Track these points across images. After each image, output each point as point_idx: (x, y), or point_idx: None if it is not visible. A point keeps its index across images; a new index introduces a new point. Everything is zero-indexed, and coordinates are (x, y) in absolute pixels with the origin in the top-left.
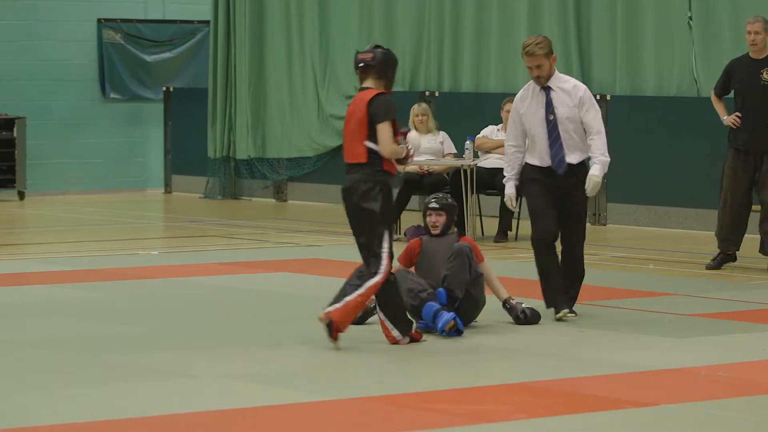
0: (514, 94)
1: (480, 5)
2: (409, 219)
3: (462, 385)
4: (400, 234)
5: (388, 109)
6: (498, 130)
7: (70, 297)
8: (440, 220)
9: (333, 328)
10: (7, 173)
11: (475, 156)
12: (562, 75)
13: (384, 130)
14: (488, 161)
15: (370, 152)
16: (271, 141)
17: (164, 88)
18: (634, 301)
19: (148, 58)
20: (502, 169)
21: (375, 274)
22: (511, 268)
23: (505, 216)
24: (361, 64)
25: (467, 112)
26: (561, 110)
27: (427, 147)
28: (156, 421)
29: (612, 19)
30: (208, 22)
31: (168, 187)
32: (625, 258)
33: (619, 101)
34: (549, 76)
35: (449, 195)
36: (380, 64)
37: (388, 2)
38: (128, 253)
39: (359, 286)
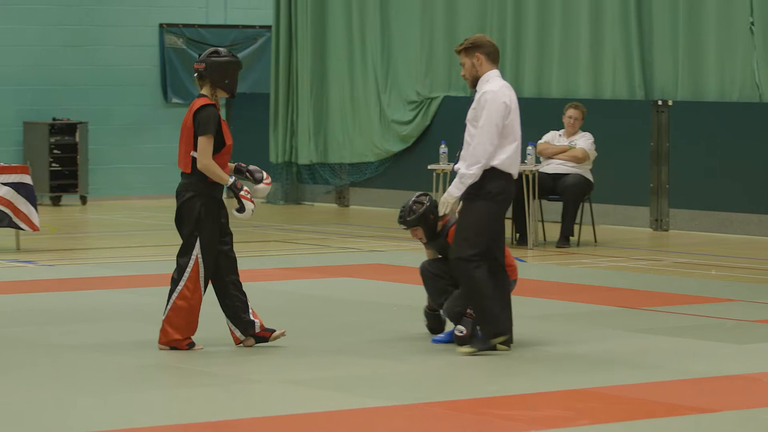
0: (576, 100)
1: (542, 11)
2: None
3: (523, 391)
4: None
5: (208, 123)
6: (560, 135)
7: (130, 302)
8: (418, 233)
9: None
10: (69, 178)
11: (537, 161)
12: (493, 78)
13: (202, 142)
14: (550, 167)
15: (195, 163)
16: (333, 146)
17: None
18: (696, 307)
19: None
20: (564, 174)
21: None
22: (573, 273)
23: (568, 221)
24: (195, 74)
25: (529, 118)
26: (469, 114)
27: None
28: (217, 426)
29: (674, 25)
30: (269, 27)
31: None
32: (687, 264)
33: (681, 107)
34: (475, 78)
35: (417, 200)
36: (211, 74)
37: (450, 7)
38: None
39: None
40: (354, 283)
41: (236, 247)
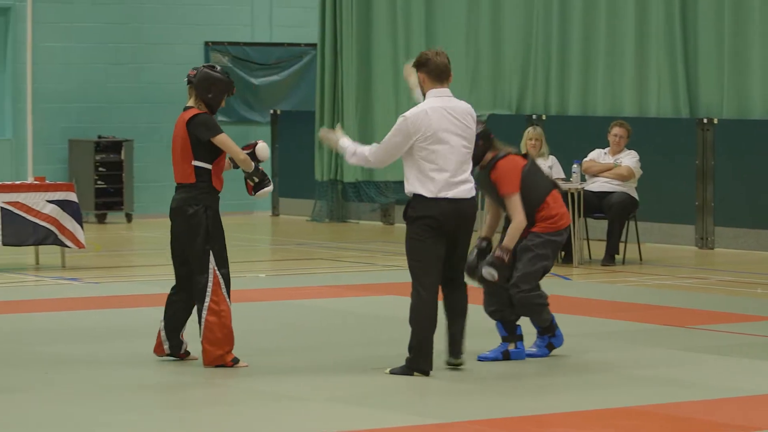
0: (621, 118)
1: (587, 29)
2: None
3: (567, 408)
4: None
5: (214, 125)
6: (605, 153)
7: None
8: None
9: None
10: (114, 195)
11: (583, 179)
12: (430, 98)
13: (223, 140)
14: (595, 185)
15: (198, 172)
16: None
17: (271, 111)
18: (742, 325)
19: (256, 81)
20: (609, 192)
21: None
22: (619, 291)
23: (613, 239)
24: (186, 80)
25: (574, 136)
26: None
27: None
28: None
29: (719, 43)
30: (315, 45)
31: (275, 210)
32: (732, 282)
33: (726, 125)
34: (422, 95)
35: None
36: (197, 84)
37: (495, 25)
38: (235, 276)
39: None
40: (399, 301)
41: (281, 265)
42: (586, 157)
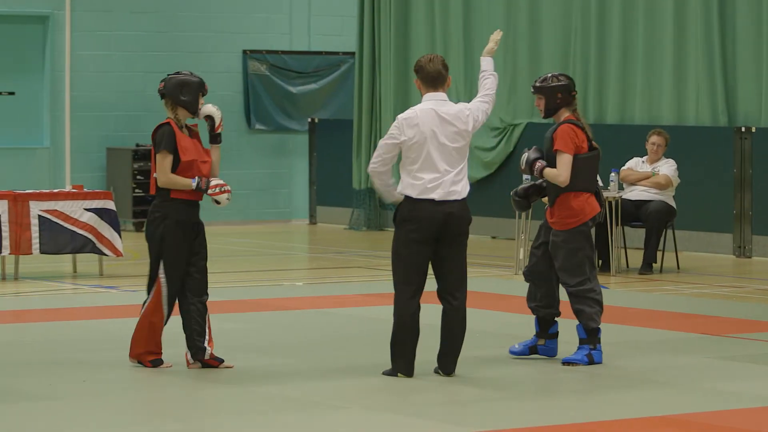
0: (659, 127)
1: (625, 37)
2: None
3: (606, 417)
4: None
5: (160, 141)
6: (643, 162)
7: (214, 327)
8: (540, 103)
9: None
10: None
11: (620, 188)
12: (424, 101)
13: (157, 160)
14: (633, 193)
15: (156, 183)
16: None
17: (309, 120)
18: None
19: (294, 90)
20: (647, 201)
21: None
22: (656, 300)
23: (650, 248)
24: (160, 95)
25: (612, 144)
26: None
27: None
28: None
29: (757, 51)
30: (353, 53)
31: (313, 218)
32: None
33: (764, 133)
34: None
35: (560, 75)
36: (169, 92)
37: (533, 33)
38: (273, 284)
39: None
40: (435, 309)
41: (319, 273)
42: (624, 165)
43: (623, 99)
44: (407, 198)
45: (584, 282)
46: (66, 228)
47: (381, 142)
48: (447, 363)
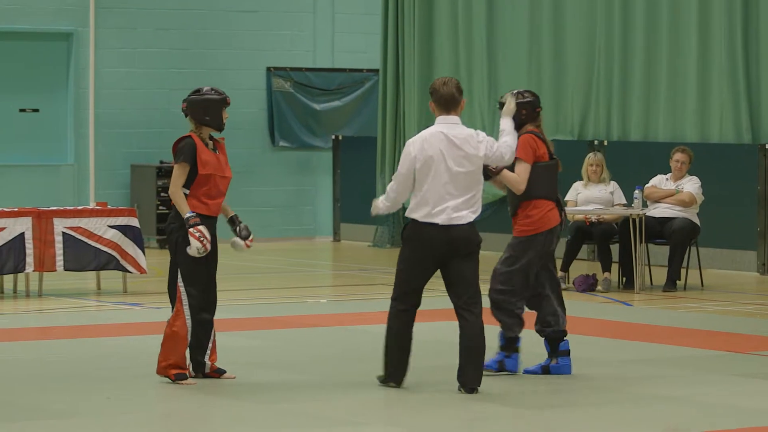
0: (683, 144)
1: (648, 54)
2: (579, 268)
3: None
4: (569, 283)
5: (179, 152)
6: (667, 179)
7: (239, 345)
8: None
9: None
10: None
11: (644, 205)
12: (437, 124)
13: (173, 170)
14: (657, 210)
15: None
16: None
17: (333, 137)
18: None
19: (318, 107)
20: (671, 218)
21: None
22: (680, 317)
23: (674, 265)
24: (184, 113)
25: (636, 162)
26: None
27: (597, 197)
28: None
29: None
30: (377, 70)
31: (337, 236)
32: None
33: None
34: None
35: (527, 92)
36: (192, 113)
37: (557, 50)
38: (297, 301)
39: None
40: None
41: (343, 291)
42: (647, 182)
43: (647, 116)
44: (414, 220)
45: (507, 293)
46: (90, 245)
47: (398, 171)
48: (468, 380)
